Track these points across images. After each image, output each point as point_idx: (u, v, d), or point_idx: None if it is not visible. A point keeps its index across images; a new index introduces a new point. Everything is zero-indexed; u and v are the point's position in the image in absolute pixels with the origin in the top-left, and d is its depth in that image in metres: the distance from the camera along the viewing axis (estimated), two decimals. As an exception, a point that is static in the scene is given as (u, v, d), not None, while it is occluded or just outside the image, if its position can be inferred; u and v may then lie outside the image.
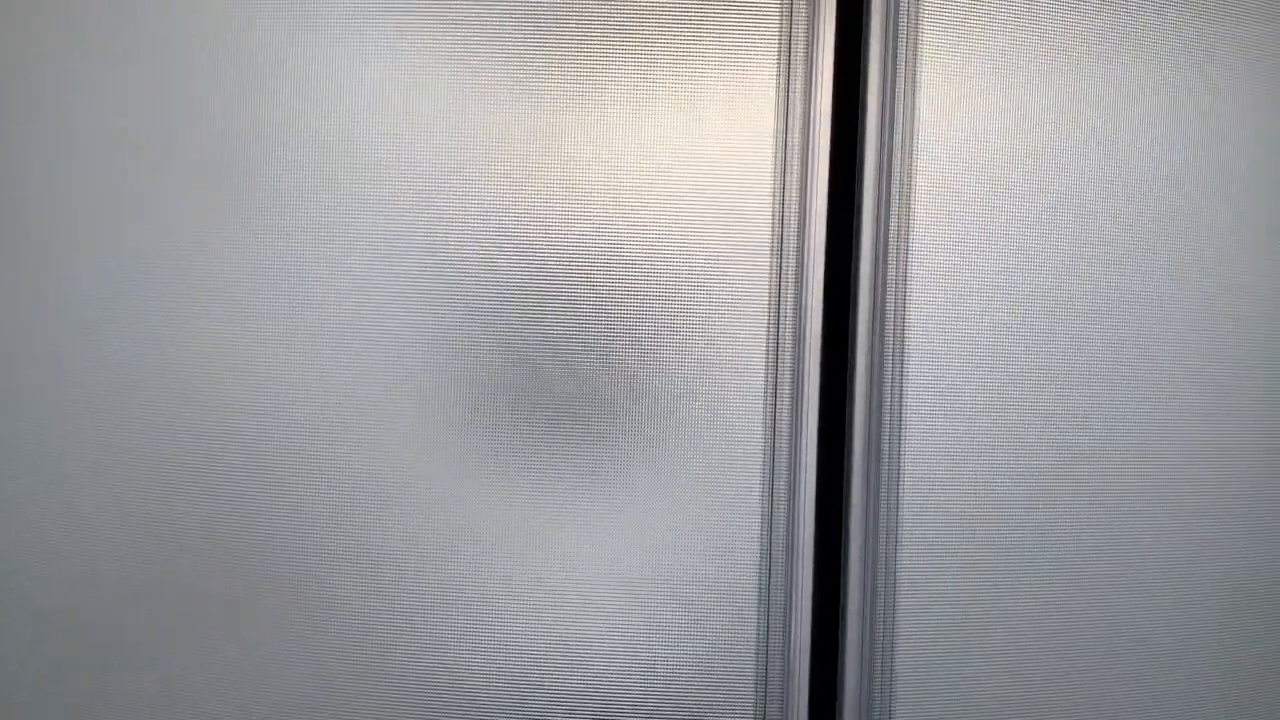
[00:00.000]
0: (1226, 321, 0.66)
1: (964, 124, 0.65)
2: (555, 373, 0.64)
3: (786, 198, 0.64)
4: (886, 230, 0.65)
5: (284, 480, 0.63)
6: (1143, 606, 0.67)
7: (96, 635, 0.62)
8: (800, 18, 0.64)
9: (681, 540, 0.65)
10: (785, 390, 0.65)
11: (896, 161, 0.65)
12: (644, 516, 0.65)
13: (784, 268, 0.64)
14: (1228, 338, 0.66)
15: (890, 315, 0.65)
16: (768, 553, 0.65)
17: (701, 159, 0.64)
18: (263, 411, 0.62)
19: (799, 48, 0.64)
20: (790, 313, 0.65)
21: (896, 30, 0.65)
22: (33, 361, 0.61)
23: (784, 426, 0.65)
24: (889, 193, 0.65)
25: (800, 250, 0.64)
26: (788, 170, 0.64)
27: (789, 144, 0.64)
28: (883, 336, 0.65)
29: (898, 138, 0.65)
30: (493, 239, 0.63)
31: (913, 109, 0.64)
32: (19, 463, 0.62)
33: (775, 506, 0.65)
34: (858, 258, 0.65)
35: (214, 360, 0.62)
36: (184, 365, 0.62)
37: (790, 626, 0.65)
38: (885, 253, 0.65)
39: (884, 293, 0.65)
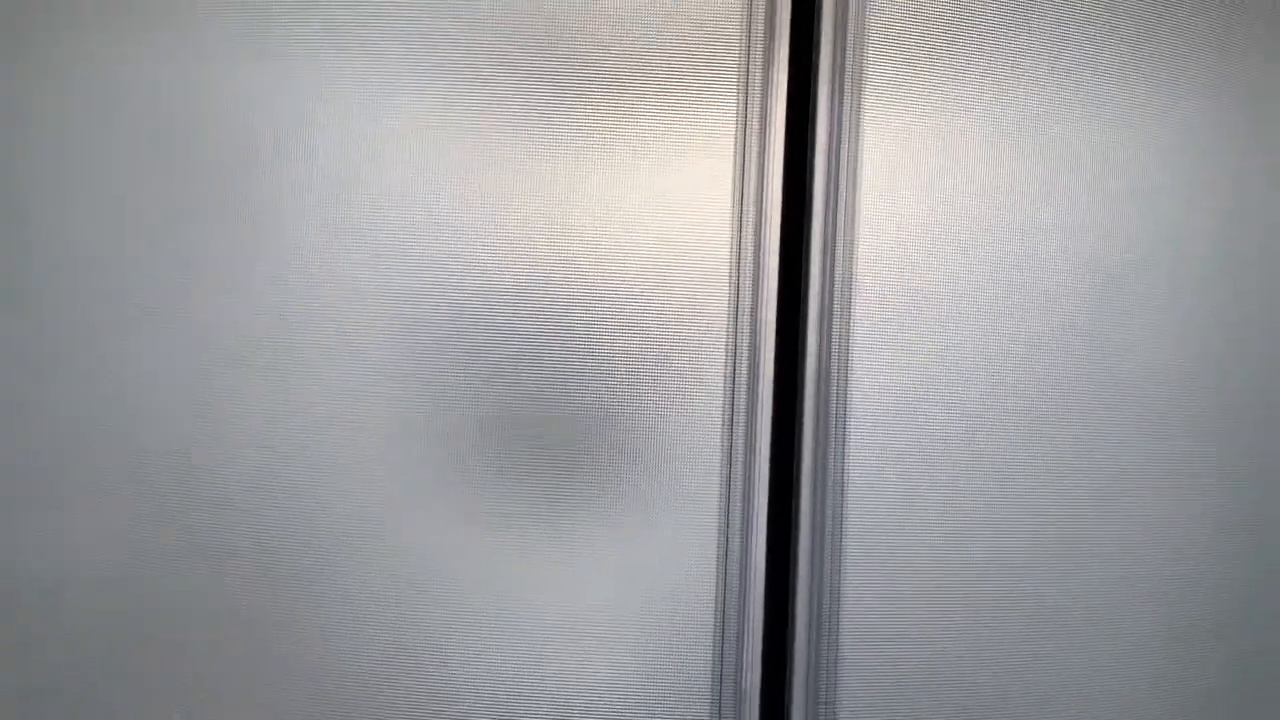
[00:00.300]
0: (1160, 348, 0.71)
1: (903, 191, 0.70)
2: (520, 415, 0.66)
3: (742, 249, 0.68)
4: (832, 275, 0.69)
5: (275, 509, 0.64)
6: (1084, 634, 0.69)
7: (107, 642, 0.63)
8: (755, 87, 0.69)
9: (638, 575, 0.67)
10: (740, 431, 0.68)
11: (842, 210, 0.69)
12: (602, 552, 0.67)
13: (739, 315, 0.68)
14: (1161, 363, 0.71)
15: (835, 363, 0.69)
16: (722, 586, 0.67)
17: (665, 212, 0.68)
18: (263, 445, 0.64)
19: (754, 119, 0.69)
20: (746, 362, 0.68)
21: (843, 88, 0.70)
22: (57, 380, 0.63)
23: (738, 467, 0.68)
24: (835, 235, 0.69)
25: (754, 306, 0.68)
26: (743, 223, 0.69)
27: (744, 198, 0.69)
28: (829, 379, 0.69)
29: (843, 192, 0.69)
30: (462, 283, 0.67)
31: (855, 166, 0.69)
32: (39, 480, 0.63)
33: (730, 543, 0.67)
34: (806, 298, 0.69)
35: (227, 390, 0.64)
36: (203, 394, 0.64)
37: (742, 660, 0.67)
38: (831, 295, 0.69)
39: (830, 336, 0.69)
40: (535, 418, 0.66)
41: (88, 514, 0.63)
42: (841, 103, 0.69)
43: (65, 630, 0.63)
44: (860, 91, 0.70)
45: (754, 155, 0.69)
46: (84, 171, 0.64)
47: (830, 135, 0.69)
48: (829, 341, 0.69)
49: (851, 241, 0.69)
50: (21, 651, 0.63)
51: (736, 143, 0.68)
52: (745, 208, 0.68)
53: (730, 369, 0.68)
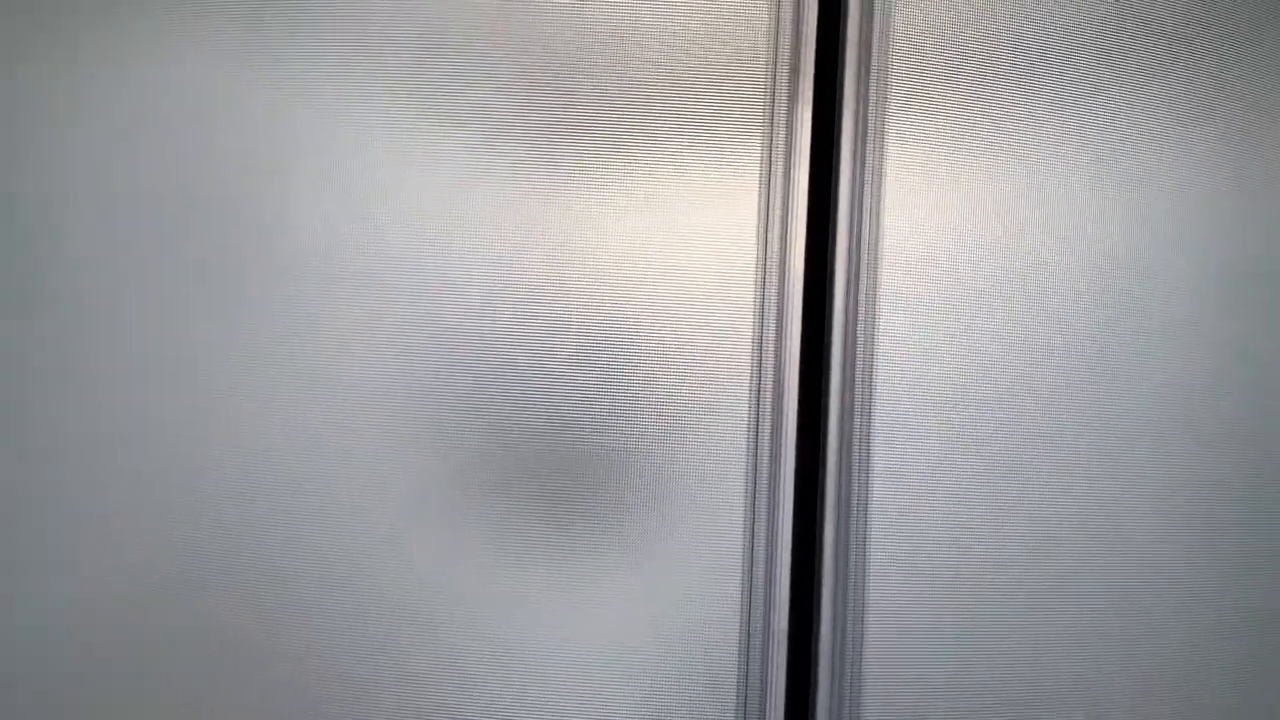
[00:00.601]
0: (1187, 358, 0.71)
1: (925, 228, 0.69)
2: (544, 454, 0.67)
3: (766, 284, 0.69)
4: (856, 313, 0.69)
5: (290, 554, 0.66)
6: (1113, 619, 0.70)
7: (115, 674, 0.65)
8: (780, 131, 0.69)
9: (661, 615, 0.68)
10: (764, 471, 0.68)
11: (864, 252, 0.69)
12: (624, 593, 0.68)
13: (764, 356, 0.69)
14: (1188, 371, 0.71)
15: (859, 398, 0.69)
16: (745, 627, 0.68)
17: (690, 249, 0.68)
18: (275, 490, 0.66)
19: (779, 162, 0.69)
20: (770, 400, 0.69)
21: (865, 133, 0.69)
22: (55, 393, 0.64)
23: (762, 497, 0.68)
24: (858, 279, 0.69)
25: (778, 344, 0.69)
26: (767, 264, 0.69)
27: (769, 241, 0.69)
28: (853, 415, 0.69)
29: (865, 232, 0.69)
30: (486, 316, 0.67)
31: (878, 209, 0.69)
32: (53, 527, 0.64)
33: (754, 588, 0.68)
34: (830, 335, 0.69)
35: (231, 410, 0.65)
36: (205, 412, 0.65)
37: (766, 686, 0.68)
38: (855, 332, 0.69)
39: (854, 372, 0.69)
40: (559, 448, 0.67)
41: (86, 530, 0.65)
42: (865, 141, 0.69)
43: (59, 649, 0.64)
44: (883, 129, 0.69)
45: (778, 192, 0.68)
46: (96, 182, 0.65)
47: (854, 173, 0.69)
48: (853, 379, 0.69)
49: (874, 277, 0.69)
50: (17, 670, 0.65)
51: (760, 181, 0.68)
52: (770, 242, 0.68)
53: (754, 406, 0.68)
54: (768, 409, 0.68)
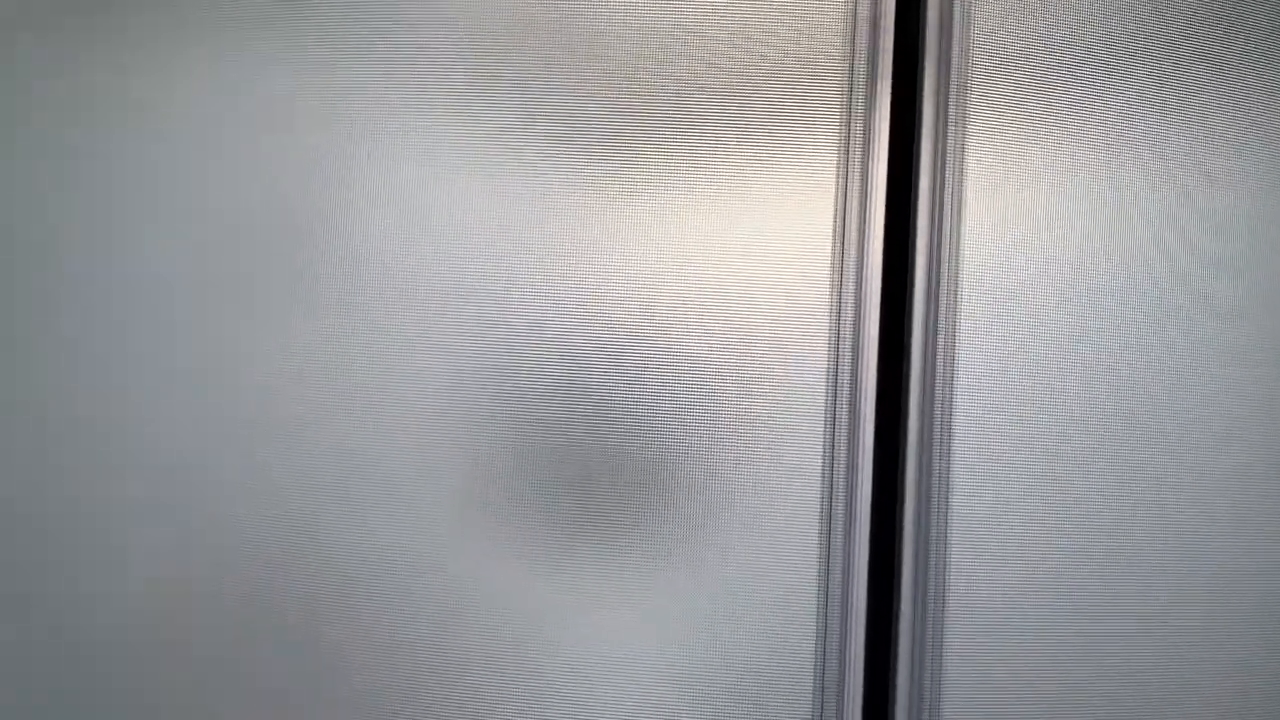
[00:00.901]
0: (1258, 371, 0.69)
1: (1007, 225, 0.68)
2: (618, 459, 0.67)
3: (843, 289, 0.67)
4: (935, 318, 0.68)
5: (330, 568, 0.66)
6: (1192, 620, 0.69)
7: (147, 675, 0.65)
8: (858, 125, 0.67)
9: (735, 627, 0.68)
10: (840, 475, 0.68)
11: (945, 250, 0.68)
12: (696, 602, 0.68)
13: (840, 356, 0.68)
14: (1261, 383, 0.69)
15: (939, 404, 0.68)
16: (822, 637, 0.68)
17: (765, 256, 0.67)
18: (315, 505, 0.66)
19: (856, 156, 0.67)
20: (846, 403, 0.68)
21: (946, 128, 0.67)
22: (89, 393, 0.65)
23: (839, 520, 0.68)
24: (939, 278, 0.68)
25: (855, 348, 0.67)
26: (844, 262, 0.67)
27: (845, 239, 0.67)
28: (932, 430, 0.68)
29: (946, 229, 0.68)
30: (558, 327, 0.67)
31: (959, 206, 0.67)
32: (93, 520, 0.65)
33: (830, 592, 0.68)
34: (909, 348, 0.68)
35: (271, 443, 0.65)
36: (240, 447, 0.65)
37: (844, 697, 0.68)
38: (934, 336, 0.68)
39: (934, 386, 0.68)
40: (633, 453, 0.67)
41: (134, 530, 0.65)
42: (945, 135, 0.67)
43: (99, 650, 0.65)
44: (964, 123, 0.67)
45: (855, 189, 0.67)
46: (152, 188, 0.65)
47: (934, 169, 0.67)
48: (933, 378, 0.68)
49: (955, 275, 0.68)
50: (60, 669, 0.65)
51: (838, 177, 0.67)
52: (847, 239, 0.67)
53: (831, 408, 0.67)
54: (844, 410, 0.67)
